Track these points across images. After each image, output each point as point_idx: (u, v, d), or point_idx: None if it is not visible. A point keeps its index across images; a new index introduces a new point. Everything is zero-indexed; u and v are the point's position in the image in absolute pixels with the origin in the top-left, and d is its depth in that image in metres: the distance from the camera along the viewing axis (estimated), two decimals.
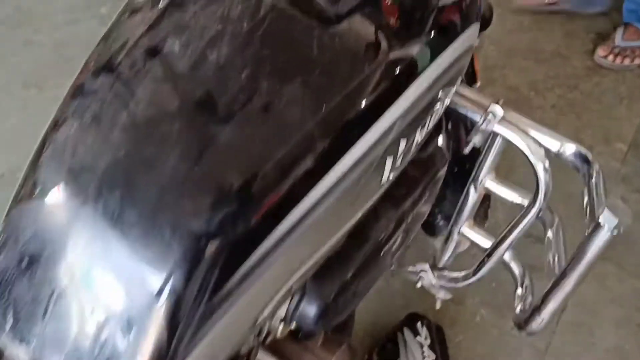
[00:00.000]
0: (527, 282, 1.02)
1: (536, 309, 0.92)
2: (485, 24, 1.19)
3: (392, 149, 0.61)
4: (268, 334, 0.75)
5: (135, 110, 0.51)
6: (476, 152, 1.02)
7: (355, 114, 0.55)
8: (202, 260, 0.50)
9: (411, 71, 0.60)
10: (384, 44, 0.58)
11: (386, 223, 0.76)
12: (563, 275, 0.87)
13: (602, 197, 0.79)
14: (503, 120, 0.91)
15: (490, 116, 0.91)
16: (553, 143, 0.92)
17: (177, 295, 0.49)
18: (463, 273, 1.10)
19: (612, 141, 1.97)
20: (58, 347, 0.52)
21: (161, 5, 0.56)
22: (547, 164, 0.92)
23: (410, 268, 1.15)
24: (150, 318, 0.49)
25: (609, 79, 2.14)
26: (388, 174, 0.64)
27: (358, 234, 0.74)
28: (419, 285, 1.15)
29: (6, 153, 1.69)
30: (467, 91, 0.93)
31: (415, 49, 0.60)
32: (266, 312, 0.59)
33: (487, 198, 1.17)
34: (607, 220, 0.77)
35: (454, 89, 0.73)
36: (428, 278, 1.12)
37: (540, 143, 0.91)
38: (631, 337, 1.56)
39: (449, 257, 1.14)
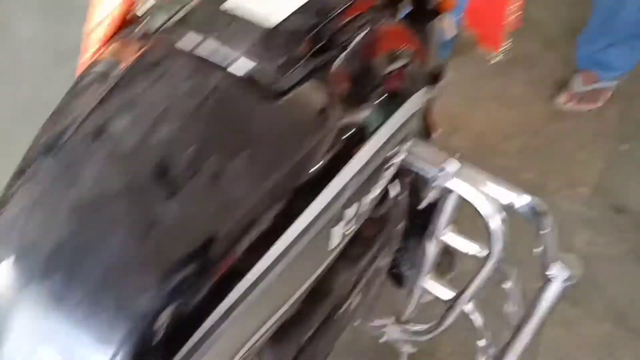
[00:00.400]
0: (488, 333, 1.02)
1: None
2: (437, 78, 1.22)
3: (338, 217, 0.62)
4: None
5: (81, 191, 0.51)
6: (433, 206, 1.03)
7: (299, 186, 0.56)
8: (148, 338, 0.50)
9: (354, 143, 0.61)
10: (328, 116, 0.59)
11: (342, 283, 0.76)
12: (520, 327, 0.87)
13: (553, 250, 0.81)
14: (457, 175, 0.93)
15: (444, 172, 0.93)
16: (507, 196, 0.93)
17: None
18: (427, 326, 1.10)
19: (577, 185, 2.01)
20: None
21: (108, 84, 0.57)
22: (500, 218, 0.93)
23: (374, 323, 1.14)
24: None
25: (571, 124, 2.20)
26: (337, 241, 0.64)
27: (314, 296, 0.74)
28: (382, 340, 1.14)
29: None
30: (421, 148, 0.95)
31: (359, 119, 0.61)
32: None
33: (450, 250, 1.18)
34: (559, 272, 0.78)
35: (401, 154, 0.74)
36: (392, 332, 1.12)
37: (493, 197, 0.93)
38: None
39: (413, 310, 1.13)
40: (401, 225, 0.90)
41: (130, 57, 0.58)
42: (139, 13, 0.64)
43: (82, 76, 0.60)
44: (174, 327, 0.50)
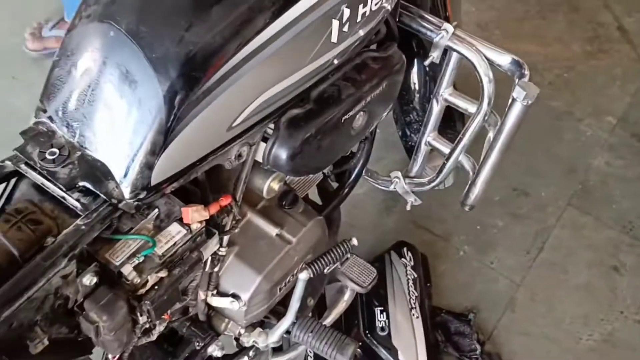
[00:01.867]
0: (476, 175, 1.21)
1: (472, 183, 1.13)
2: None
3: (338, 15, 0.84)
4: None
5: None
6: (437, 69, 1.24)
7: None
8: (192, 61, 0.73)
9: None
10: None
11: (345, 97, 0.97)
12: (491, 147, 1.07)
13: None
14: (455, 37, 1.13)
15: (443, 32, 1.13)
16: (496, 56, 1.13)
17: (173, 85, 0.73)
18: (428, 178, 1.30)
19: (602, 114, 2.14)
20: (91, 124, 0.76)
21: None
22: (491, 75, 1.13)
23: (386, 178, 1.36)
24: (155, 102, 0.73)
25: (606, 62, 2.32)
26: (337, 36, 0.86)
27: (322, 100, 0.96)
28: (391, 188, 1.35)
29: None
30: (425, 14, 1.16)
31: None
32: (240, 121, 0.81)
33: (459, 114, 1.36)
34: (518, 93, 0.98)
35: None
36: (400, 184, 1.33)
37: (485, 56, 1.12)
38: (602, 277, 1.72)
39: (419, 167, 1.34)
40: (401, 73, 1.09)
41: None
42: None
43: None
44: (208, 59, 0.74)
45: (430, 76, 1.35)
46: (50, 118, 0.79)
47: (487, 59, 1.12)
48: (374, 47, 1.10)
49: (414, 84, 1.36)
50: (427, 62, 1.16)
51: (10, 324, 0.68)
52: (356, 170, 1.26)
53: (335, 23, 0.85)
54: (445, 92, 1.22)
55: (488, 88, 1.13)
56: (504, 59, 1.12)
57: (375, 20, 0.95)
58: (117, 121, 0.75)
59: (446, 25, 1.12)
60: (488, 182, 1.16)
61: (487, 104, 1.14)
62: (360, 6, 0.88)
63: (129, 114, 0.74)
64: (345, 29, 0.87)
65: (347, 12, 0.85)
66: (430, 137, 1.28)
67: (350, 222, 1.75)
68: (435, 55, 1.16)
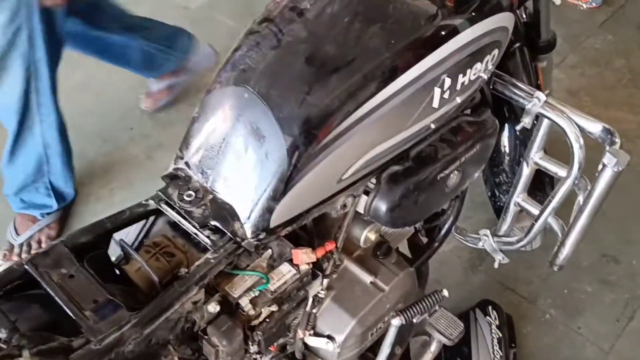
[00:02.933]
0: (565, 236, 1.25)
1: (561, 243, 1.17)
2: (549, 46, 1.49)
3: (439, 83, 0.94)
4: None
5: (281, 39, 0.89)
6: (528, 134, 1.30)
7: (411, 51, 0.90)
8: (313, 121, 0.85)
9: (451, 32, 0.93)
10: (438, 13, 0.93)
11: (441, 157, 1.06)
12: (580, 211, 1.12)
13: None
14: (547, 104, 1.20)
15: (535, 100, 1.20)
16: (587, 123, 1.19)
17: (296, 141, 0.84)
18: (517, 237, 1.35)
19: None
20: (223, 171, 0.89)
21: None
22: (582, 141, 1.19)
23: (475, 235, 1.42)
24: (279, 155, 0.85)
25: None
26: (438, 102, 0.96)
27: (420, 159, 1.05)
28: (480, 245, 1.41)
29: (171, 152, 2.16)
30: (517, 82, 1.24)
31: (458, 19, 0.94)
32: (349, 175, 0.92)
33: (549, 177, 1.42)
34: (609, 160, 1.03)
35: (490, 59, 1.04)
36: (489, 242, 1.38)
37: (575, 123, 1.18)
38: None
39: (508, 227, 1.39)
40: (493, 137, 1.17)
41: None
42: None
43: None
44: (326, 119, 0.85)
45: (520, 140, 1.42)
46: (187, 164, 0.92)
47: (578, 126, 1.18)
48: (468, 111, 1.19)
49: (505, 146, 1.43)
50: (518, 128, 1.23)
51: (149, 340, 0.79)
52: (446, 226, 1.33)
53: (437, 91, 0.95)
54: (536, 156, 1.28)
55: (578, 154, 1.18)
56: (595, 127, 1.18)
57: (472, 89, 1.04)
58: (245, 169, 0.87)
59: (538, 93, 1.19)
60: (577, 244, 1.19)
61: (578, 169, 1.19)
62: (460, 76, 0.98)
63: (256, 164, 0.86)
64: (446, 96, 0.97)
65: (448, 81, 0.95)
66: (519, 198, 1.34)
67: (437, 278, 1.79)
68: (527, 121, 1.23)
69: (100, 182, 2.11)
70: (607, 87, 2.51)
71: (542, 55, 1.50)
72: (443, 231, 1.33)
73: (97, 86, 2.44)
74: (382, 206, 1.03)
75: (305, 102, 0.86)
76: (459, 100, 1.01)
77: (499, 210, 1.45)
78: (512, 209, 1.36)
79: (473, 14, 0.96)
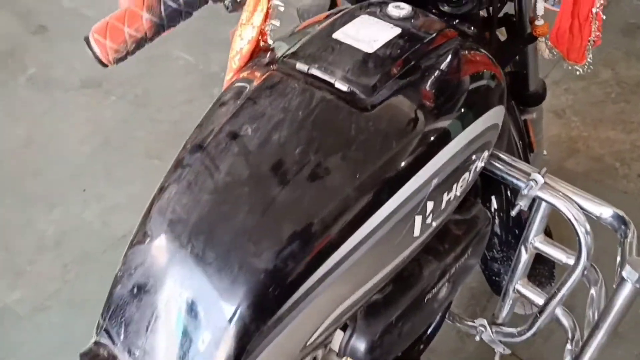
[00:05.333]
0: (577, 336, 1.08)
1: (576, 359, 1.00)
2: (539, 98, 1.31)
3: (419, 209, 0.76)
4: None
5: (217, 179, 0.70)
6: (526, 215, 1.12)
7: (385, 180, 0.71)
8: (262, 290, 0.66)
9: (433, 147, 0.74)
10: (413, 124, 0.74)
11: (428, 274, 0.88)
12: (596, 327, 0.94)
13: (627, 255, 0.88)
14: (546, 186, 1.02)
15: (532, 183, 1.02)
16: (593, 207, 1.01)
17: (242, 317, 0.65)
18: (519, 329, 1.18)
19: None
20: (154, 355, 0.69)
21: (240, 100, 0.75)
22: (588, 227, 1.01)
23: (471, 323, 1.24)
24: (223, 336, 0.66)
25: None
26: (419, 230, 0.78)
27: (402, 281, 0.87)
28: (477, 338, 1.23)
29: (129, 215, 1.96)
30: (512, 160, 1.06)
31: (439, 127, 0.75)
32: (315, 338, 0.73)
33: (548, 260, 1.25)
34: (629, 274, 0.85)
35: (479, 161, 0.86)
36: (487, 333, 1.21)
37: (581, 207, 1.01)
38: None
39: (507, 314, 1.22)
40: (487, 230, 1.00)
41: (257, 79, 0.76)
42: (270, 43, 0.82)
43: (223, 93, 0.79)
44: (283, 285, 0.66)
45: (517, 221, 1.24)
46: (111, 339, 0.73)
47: (583, 210, 1.00)
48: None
49: (499, 230, 1.26)
50: (514, 212, 1.05)
51: None
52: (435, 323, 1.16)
53: (418, 218, 0.76)
54: (535, 240, 1.10)
55: (586, 241, 1.00)
56: (604, 211, 1.00)
57: (459, 201, 0.86)
58: (182, 355, 0.68)
59: (535, 175, 1.01)
60: None
61: (586, 258, 1.02)
62: (445, 194, 0.79)
63: (193, 348, 0.67)
64: (429, 220, 0.79)
65: (430, 205, 0.77)
66: (519, 284, 1.16)
67: (430, 347, 1.62)
68: (523, 204, 1.05)
69: (51, 256, 1.90)
70: (595, 102, 2.35)
71: (532, 108, 1.32)
72: (431, 328, 1.16)
73: (42, 141, 2.22)
74: (361, 345, 0.85)
75: (251, 265, 0.67)
76: (444, 217, 0.83)
77: (498, 290, 1.28)
78: (511, 295, 1.18)
79: (458, 119, 0.77)
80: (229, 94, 0.78)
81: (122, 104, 2.42)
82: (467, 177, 0.83)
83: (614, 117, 2.27)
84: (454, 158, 0.76)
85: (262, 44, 0.81)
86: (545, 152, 1.60)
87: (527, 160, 1.31)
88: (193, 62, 2.54)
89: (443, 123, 0.75)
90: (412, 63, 0.77)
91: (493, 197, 1.20)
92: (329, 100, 0.73)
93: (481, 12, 1.06)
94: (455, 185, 0.80)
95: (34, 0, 2.88)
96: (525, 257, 1.13)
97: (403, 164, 0.72)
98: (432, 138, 0.74)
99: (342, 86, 0.74)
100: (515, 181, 1.04)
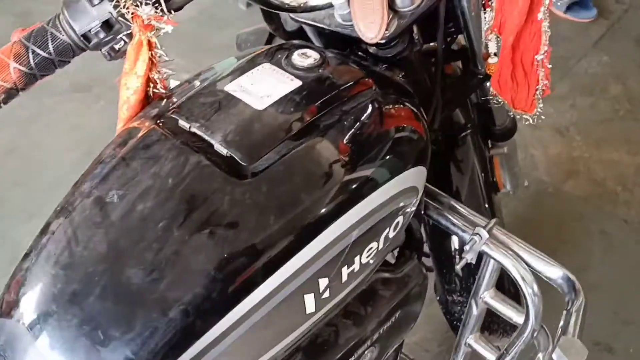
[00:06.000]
0: None
1: None
2: (508, 133, 1.21)
3: (307, 288, 0.67)
4: None
5: (74, 252, 0.62)
6: (476, 267, 1.03)
7: (255, 263, 0.62)
8: None
9: (318, 224, 0.65)
10: (295, 199, 0.65)
11: (344, 341, 0.80)
12: None
13: (566, 329, 0.79)
14: (493, 240, 0.93)
15: (477, 237, 0.93)
16: (543, 267, 0.92)
17: None
18: None
19: None
20: None
21: (115, 160, 0.68)
22: (536, 288, 0.91)
23: None
24: None
25: None
26: (314, 307, 0.69)
27: (315, 350, 0.79)
28: None
29: None
30: (459, 209, 0.96)
31: (326, 202, 0.65)
32: None
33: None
34: (559, 357, 0.76)
35: (391, 231, 0.76)
36: None
37: (529, 266, 0.91)
38: None
39: None
40: (423, 287, 0.91)
41: (137, 136, 0.69)
42: (163, 91, 0.74)
43: (105, 148, 0.72)
44: None
45: (465, 274, 1.15)
46: None
47: (531, 268, 0.91)
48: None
49: (460, 271, 1.16)
50: (459, 266, 0.96)
51: None
52: None
53: (309, 297, 0.68)
54: (486, 295, 1.01)
55: (534, 303, 0.91)
56: (553, 272, 0.90)
57: (370, 269, 0.76)
58: None
59: (479, 229, 0.92)
60: None
61: (534, 321, 0.92)
62: (345, 268, 0.70)
63: None
64: (326, 295, 0.70)
65: (324, 282, 0.68)
66: (470, 338, 1.07)
67: None
68: (469, 258, 0.96)
69: None
70: (601, 120, 2.21)
71: (501, 143, 1.22)
72: None
73: (26, 150, 2.20)
74: None
75: (99, 358, 0.59)
76: (352, 286, 0.75)
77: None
78: (463, 349, 1.09)
79: (357, 188, 0.67)
80: (108, 150, 0.71)
81: (111, 109, 2.36)
82: (375, 247, 0.73)
83: (620, 137, 2.13)
84: (348, 232, 0.67)
85: (156, 90, 0.74)
86: (526, 183, 1.50)
87: (490, 202, 1.21)
88: (185, 67, 2.48)
89: (338, 194, 0.65)
90: (307, 122, 0.68)
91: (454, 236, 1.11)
92: (204, 166, 0.64)
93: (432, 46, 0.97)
94: (358, 258, 0.71)
95: (34, 2, 2.87)
96: (475, 312, 1.04)
97: (281, 243, 0.63)
98: (321, 211, 0.64)
99: (222, 149, 0.65)
100: (460, 233, 0.95)
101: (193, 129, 0.67)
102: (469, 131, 1.15)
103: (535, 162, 2.03)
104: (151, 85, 0.73)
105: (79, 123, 2.31)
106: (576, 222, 1.89)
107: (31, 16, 2.78)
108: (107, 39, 0.69)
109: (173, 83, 0.88)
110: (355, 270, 0.72)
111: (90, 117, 2.34)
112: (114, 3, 0.67)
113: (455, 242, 1.22)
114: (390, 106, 0.75)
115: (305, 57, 0.74)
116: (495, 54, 0.99)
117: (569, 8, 2.49)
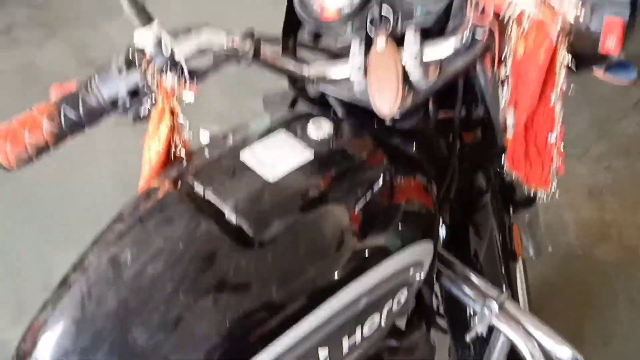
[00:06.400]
0: None
1: None
2: (530, 201, 1.21)
3: (310, 356, 0.68)
4: None
5: (86, 308, 0.65)
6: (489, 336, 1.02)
7: (256, 330, 0.64)
8: None
9: (320, 295, 0.67)
10: (300, 270, 0.67)
11: None
12: None
13: None
14: (504, 313, 0.93)
15: (486, 309, 0.93)
16: (552, 345, 0.91)
17: None
18: None
19: None
20: None
21: (132, 220, 0.71)
22: None
23: None
24: None
25: None
26: None
27: None
28: None
29: None
30: (472, 278, 0.97)
31: (330, 274, 0.67)
32: None
33: None
34: None
35: (394, 305, 0.77)
36: None
37: (538, 343, 0.90)
38: None
39: None
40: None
41: (155, 197, 0.72)
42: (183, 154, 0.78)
43: (124, 207, 0.75)
44: None
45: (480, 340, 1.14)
46: None
47: (540, 346, 0.90)
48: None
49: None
50: (469, 337, 0.96)
51: None
52: None
53: None
54: None
55: None
56: (562, 352, 0.89)
57: (374, 339, 0.77)
58: None
59: (490, 301, 0.92)
60: None
61: None
62: (345, 338, 0.71)
63: None
64: None
65: (323, 352, 0.69)
66: None
67: None
68: (479, 330, 0.95)
69: None
70: (637, 183, 2.17)
71: (523, 210, 1.22)
72: None
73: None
74: None
75: None
76: (355, 355, 0.75)
77: None
78: None
79: (360, 262, 0.68)
80: (128, 209, 0.74)
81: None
82: (377, 321, 0.74)
83: None
84: (350, 305, 0.69)
85: (177, 154, 0.78)
86: (550, 249, 1.48)
87: (507, 270, 1.20)
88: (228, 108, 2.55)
89: (340, 267, 0.67)
90: (317, 195, 0.70)
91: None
92: (213, 233, 0.67)
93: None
94: (359, 329, 0.72)
95: (89, 35, 3.00)
96: None
97: (282, 312, 0.65)
98: (322, 284, 0.66)
99: (232, 218, 0.68)
100: (471, 303, 0.95)
101: (207, 196, 0.71)
102: (488, 196, 1.16)
103: (565, 225, 2.00)
104: (173, 147, 0.76)
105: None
106: (605, 288, 1.85)
107: (87, 48, 2.91)
108: (133, 106, 0.73)
109: (203, 133, 0.92)
110: (356, 342, 0.73)
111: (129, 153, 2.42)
112: (141, 73, 0.71)
113: (470, 307, 1.21)
114: (399, 181, 0.77)
115: (319, 129, 0.76)
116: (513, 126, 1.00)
117: (609, 69, 2.48)
